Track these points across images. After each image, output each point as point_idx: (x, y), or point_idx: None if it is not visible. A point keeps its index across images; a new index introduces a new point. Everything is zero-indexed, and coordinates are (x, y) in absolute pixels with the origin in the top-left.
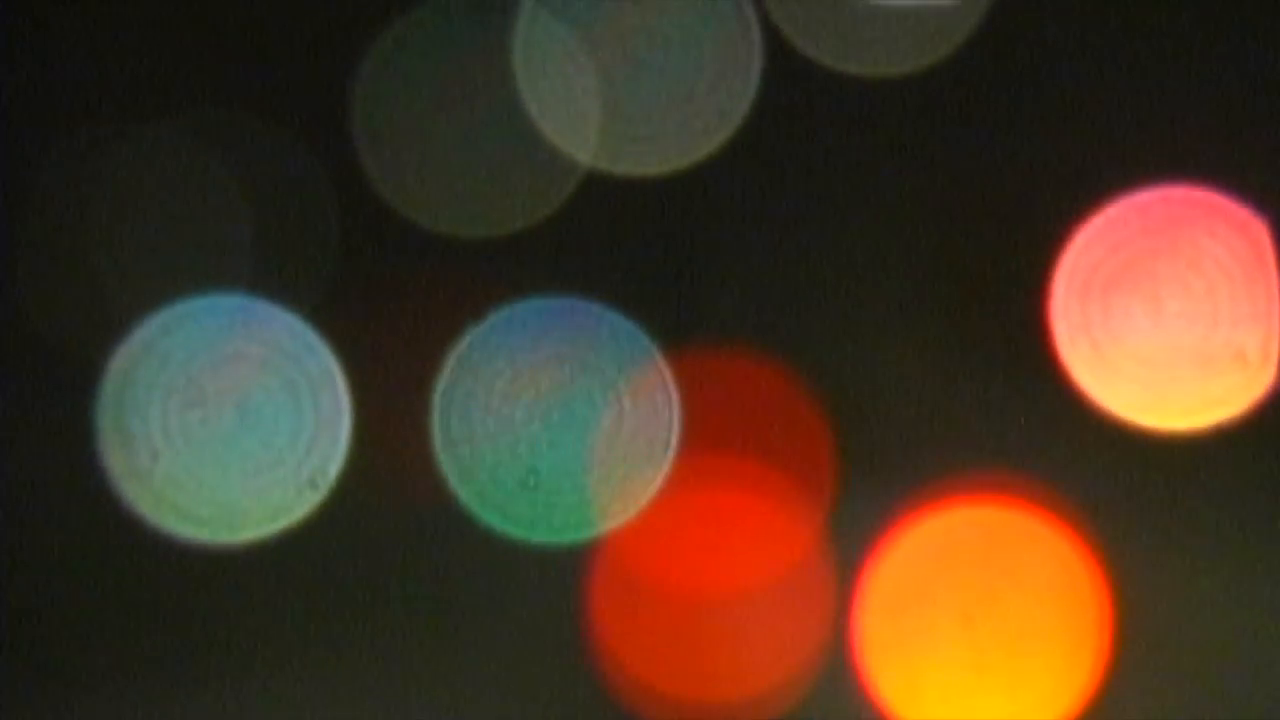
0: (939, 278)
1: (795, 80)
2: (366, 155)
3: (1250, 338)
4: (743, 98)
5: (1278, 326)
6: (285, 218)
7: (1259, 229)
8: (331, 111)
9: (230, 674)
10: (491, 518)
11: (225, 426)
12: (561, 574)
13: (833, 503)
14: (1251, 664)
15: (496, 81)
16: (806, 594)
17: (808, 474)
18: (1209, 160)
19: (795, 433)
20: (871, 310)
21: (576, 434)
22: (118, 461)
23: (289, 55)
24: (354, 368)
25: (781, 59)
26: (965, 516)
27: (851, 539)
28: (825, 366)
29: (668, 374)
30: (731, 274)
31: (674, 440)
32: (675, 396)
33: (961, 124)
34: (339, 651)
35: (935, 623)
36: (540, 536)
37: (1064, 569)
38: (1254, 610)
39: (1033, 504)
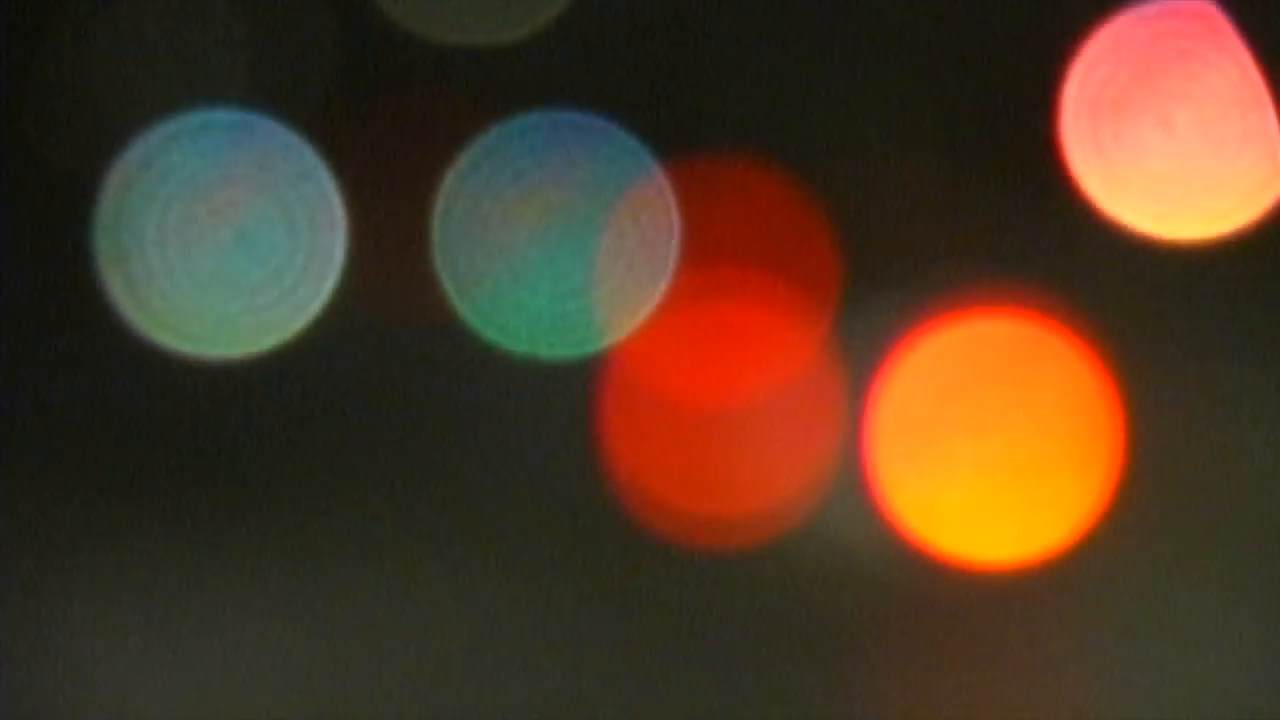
0: (947, 88)
1: None
2: None
3: (1260, 147)
4: None
5: None
6: (282, 29)
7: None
8: None
9: (229, 495)
10: (492, 333)
11: (222, 243)
12: (566, 388)
13: (840, 315)
14: (1260, 473)
15: None
16: (815, 406)
17: (813, 286)
18: None
19: (800, 244)
20: (877, 121)
21: (577, 248)
22: (115, 279)
23: None
24: (351, 182)
25: None
26: (976, 329)
27: (861, 351)
28: (830, 178)
29: (668, 187)
30: (733, 83)
31: (675, 253)
32: (675, 209)
33: None
34: (340, 471)
35: (946, 436)
36: (541, 351)
37: (1076, 381)
38: (1263, 420)
39: (1044, 316)
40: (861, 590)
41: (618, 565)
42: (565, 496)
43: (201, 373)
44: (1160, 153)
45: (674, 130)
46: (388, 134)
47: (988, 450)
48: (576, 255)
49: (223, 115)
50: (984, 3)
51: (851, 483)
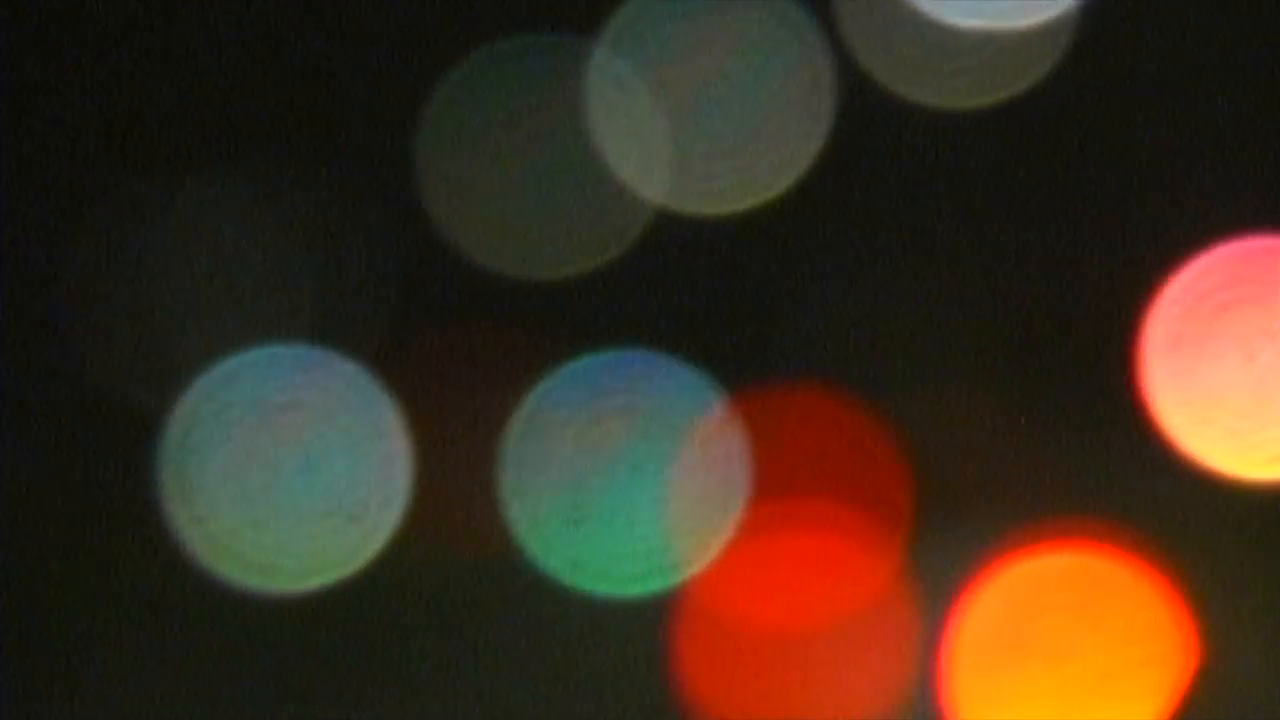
0: (1024, 320)
1: (869, 117)
2: (433, 199)
3: None
4: (813, 138)
5: None
6: (348, 264)
7: None
8: (397, 154)
9: None
10: (560, 569)
11: (287, 476)
12: (638, 625)
13: (913, 547)
14: None
15: (565, 121)
16: (890, 638)
17: (886, 517)
18: None
19: (873, 474)
20: (952, 353)
21: (647, 484)
22: (180, 513)
23: (353, 97)
24: (417, 417)
25: (857, 94)
26: (1052, 563)
27: (935, 582)
28: (903, 410)
29: (736, 421)
30: (803, 316)
31: (745, 487)
32: (744, 443)
33: (1046, 160)
34: (409, 710)
35: (1021, 669)
36: (608, 589)
37: (1151, 618)
38: None
39: (1119, 551)
40: None
41: None
42: None
43: (265, 605)
44: (1241, 390)
45: (743, 362)
46: (453, 368)
47: (1062, 684)
48: (646, 492)
49: (288, 350)
50: (1063, 235)
51: (927, 713)
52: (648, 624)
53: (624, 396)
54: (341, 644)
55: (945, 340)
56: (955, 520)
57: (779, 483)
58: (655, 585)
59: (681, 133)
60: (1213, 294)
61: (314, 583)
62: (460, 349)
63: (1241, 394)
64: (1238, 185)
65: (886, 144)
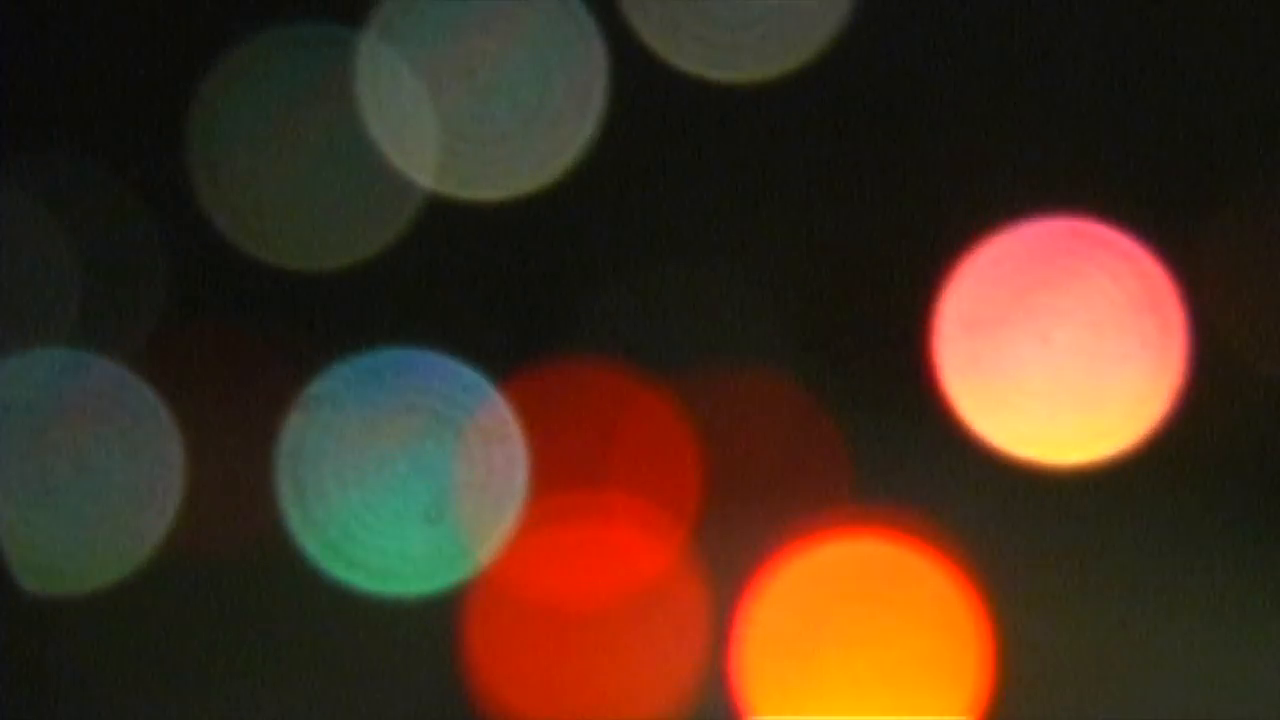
0: (815, 300)
1: (650, 94)
2: (203, 190)
3: (1136, 372)
4: (590, 120)
5: (1165, 361)
6: (116, 260)
7: (1146, 260)
8: (166, 145)
9: None
10: (340, 570)
11: (59, 480)
12: (424, 621)
13: (703, 533)
14: (1128, 696)
15: (335, 110)
16: (679, 624)
17: (674, 503)
18: (1095, 190)
19: (661, 460)
20: (741, 336)
21: (425, 482)
22: None
23: (121, 88)
24: (188, 416)
25: (636, 72)
26: (845, 549)
27: (724, 568)
28: (691, 395)
29: (517, 411)
30: (589, 301)
31: (528, 478)
32: (526, 433)
33: (835, 135)
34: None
35: (812, 653)
36: (390, 588)
37: (945, 603)
38: (1133, 645)
39: (913, 537)
40: None
41: None
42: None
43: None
44: (1036, 372)
45: (527, 349)
46: (224, 364)
47: (855, 669)
48: (425, 490)
49: (53, 352)
50: (856, 215)
51: (718, 703)
52: (434, 620)
53: (402, 392)
54: (115, 651)
55: (735, 323)
56: (746, 505)
57: (565, 471)
58: (431, 586)
59: (453, 118)
60: (1009, 275)
61: (91, 585)
62: (232, 344)
63: (1037, 376)
64: (1035, 164)
65: (669, 122)
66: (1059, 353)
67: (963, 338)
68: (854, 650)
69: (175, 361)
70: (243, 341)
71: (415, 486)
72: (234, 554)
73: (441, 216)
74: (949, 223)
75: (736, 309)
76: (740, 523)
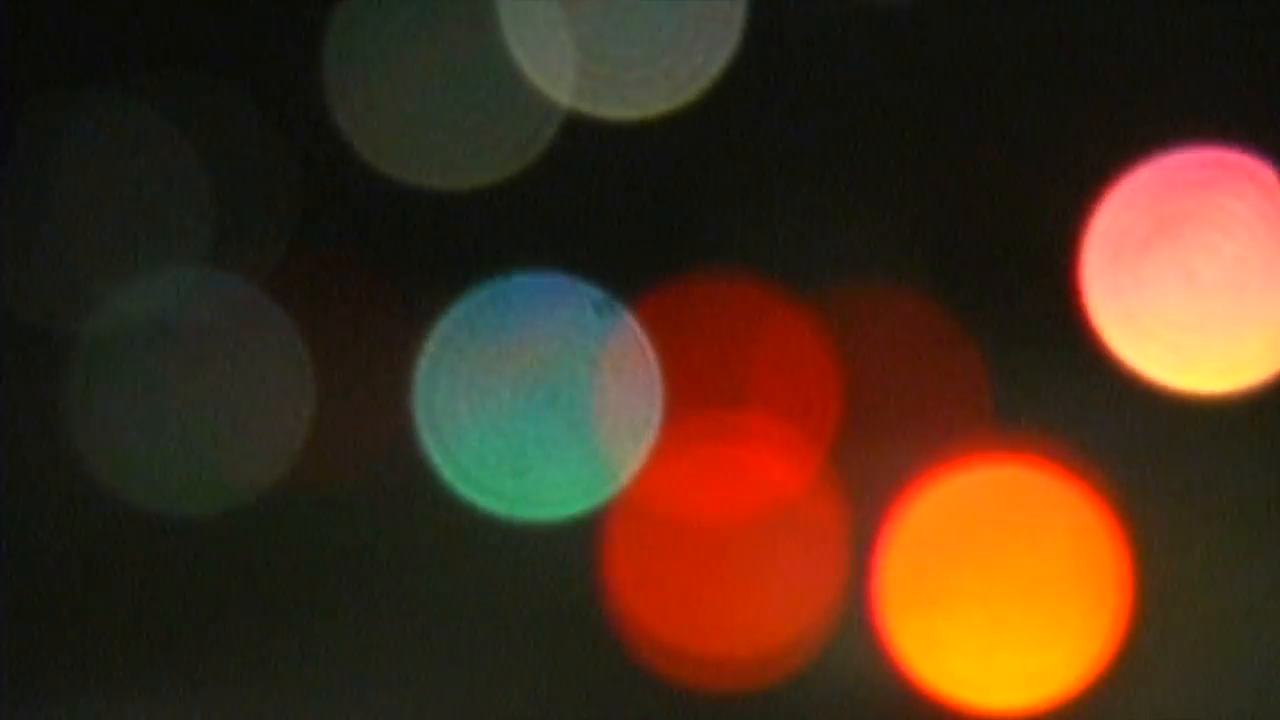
0: (963, 228)
1: (791, 17)
2: (339, 110)
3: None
4: (728, 39)
5: None
6: (250, 179)
7: None
8: (301, 64)
9: (201, 664)
10: (477, 496)
11: (182, 401)
12: (564, 549)
13: (843, 455)
14: (1270, 631)
15: (474, 27)
16: (820, 550)
17: (812, 424)
18: (1240, 121)
19: (801, 382)
20: (884, 261)
21: (561, 409)
22: (89, 436)
23: (255, 7)
24: (320, 336)
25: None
26: (985, 474)
27: (866, 493)
28: (833, 319)
29: (655, 330)
30: (720, 217)
31: (660, 403)
32: (656, 360)
33: (982, 64)
34: (328, 643)
35: (953, 579)
36: (526, 513)
37: (1084, 528)
38: (1267, 571)
39: (1055, 463)
40: None
41: (626, 708)
42: (570, 644)
43: (175, 528)
44: (1180, 301)
45: (664, 267)
46: (360, 287)
47: (995, 594)
48: (560, 417)
49: (187, 272)
50: (1003, 145)
51: (857, 626)
52: (572, 544)
53: (538, 315)
54: (250, 576)
55: (877, 248)
56: (886, 428)
57: (703, 393)
58: (565, 511)
59: (591, 37)
60: (1154, 205)
61: (221, 507)
62: (366, 266)
63: (1180, 305)
64: (1182, 94)
65: (811, 45)
66: (1202, 282)
67: (1107, 266)
68: (992, 576)
69: (308, 283)
70: (377, 264)
71: (551, 411)
72: (366, 478)
73: (578, 137)
74: (1095, 152)
75: (878, 234)
76: (880, 446)
